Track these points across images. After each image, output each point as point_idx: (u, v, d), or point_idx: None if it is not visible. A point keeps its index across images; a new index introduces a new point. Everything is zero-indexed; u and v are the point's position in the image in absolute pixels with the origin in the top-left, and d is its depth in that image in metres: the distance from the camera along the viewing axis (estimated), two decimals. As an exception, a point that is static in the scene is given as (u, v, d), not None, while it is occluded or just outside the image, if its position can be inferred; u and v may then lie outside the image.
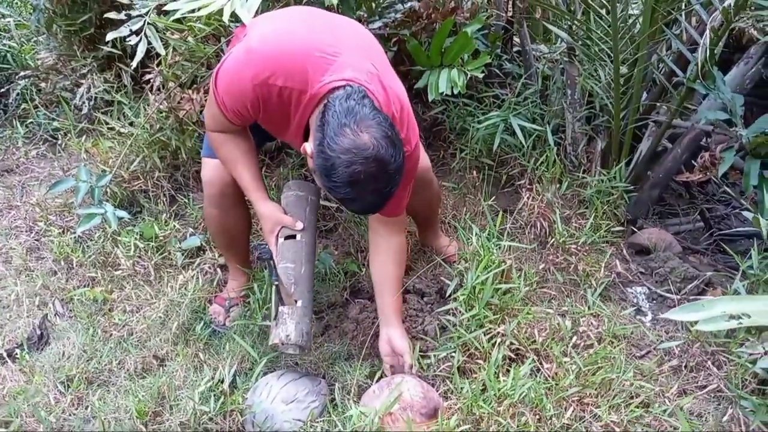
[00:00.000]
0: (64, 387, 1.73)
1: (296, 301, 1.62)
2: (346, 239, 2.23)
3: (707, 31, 1.94)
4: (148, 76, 2.38)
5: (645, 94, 2.39)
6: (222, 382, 1.64)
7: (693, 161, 2.23)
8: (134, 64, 1.92)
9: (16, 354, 1.82)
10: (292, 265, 1.64)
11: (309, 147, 1.39)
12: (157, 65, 2.33)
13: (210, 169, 1.75)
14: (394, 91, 1.52)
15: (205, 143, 1.79)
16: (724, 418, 1.59)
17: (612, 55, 2.07)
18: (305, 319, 1.62)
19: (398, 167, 1.36)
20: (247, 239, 1.95)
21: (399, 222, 1.71)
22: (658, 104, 2.37)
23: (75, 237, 2.22)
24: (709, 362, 1.74)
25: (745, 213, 1.99)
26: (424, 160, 1.83)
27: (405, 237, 1.77)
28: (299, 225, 1.67)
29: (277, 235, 1.68)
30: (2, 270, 2.18)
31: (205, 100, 2.39)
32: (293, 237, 1.67)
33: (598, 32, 2.10)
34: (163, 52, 1.95)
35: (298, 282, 1.63)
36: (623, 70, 2.15)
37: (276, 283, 1.59)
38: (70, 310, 2.01)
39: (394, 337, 1.69)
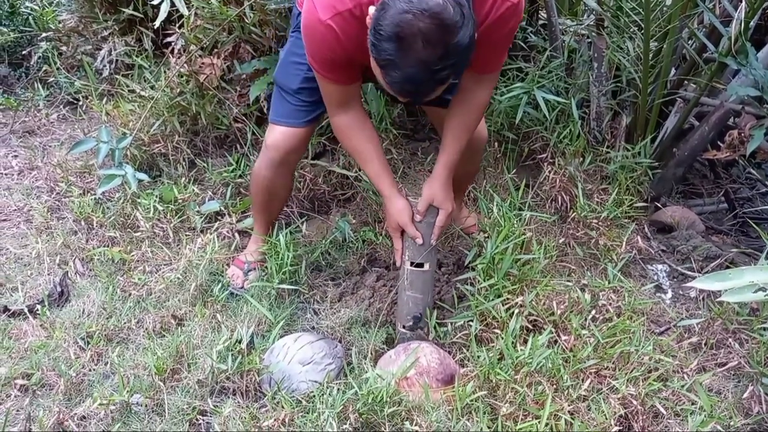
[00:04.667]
0: (84, 343, 1.75)
1: (422, 328, 1.72)
2: (364, 209, 2.22)
3: (743, 3, 1.89)
4: (169, 39, 2.36)
5: (673, 70, 2.34)
6: (239, 342, 1.64)
7: (719, 141, 2.18)
8: (157, 23, 1.92)
9: (37, 310, 1.84)
10: (421, 296, 1.70)
11: (372, 10, 1.25)
12: (179, 28, 2.31)
13: (278, 135, 1.74)
14: None
15: (273, 108, 1.78)
16: (744, 395, 1.58)
17: (642, 26, 2.02)
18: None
19: (459, 45, 1.18)
20: (282, 206, 2.01)
21: (491, 80, 1.61)
22: (686, 81, 2.31)
23: (95, 198, 2.23)
24: (731, 340, 1.72)
25: (773, 192, 1.94)
26: (484, 131, 1.84)
27: (490, 98, 1.69)
28: (419, 240, 1.65)
29: (402, 237, 1.68)
30: (24, 229, 2.20)
31: (226, 66, 2.39)
32: (421, 266, 1.69)
33: (630, 2, 2.05)
34: (186, 12, 1.94)
35: (425, 312, 1.72)
36: (653, 43, 2.10)
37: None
38: (90, 269, 2.03)
39: (427, 188, 1.65)
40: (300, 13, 1.68)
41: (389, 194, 1.64)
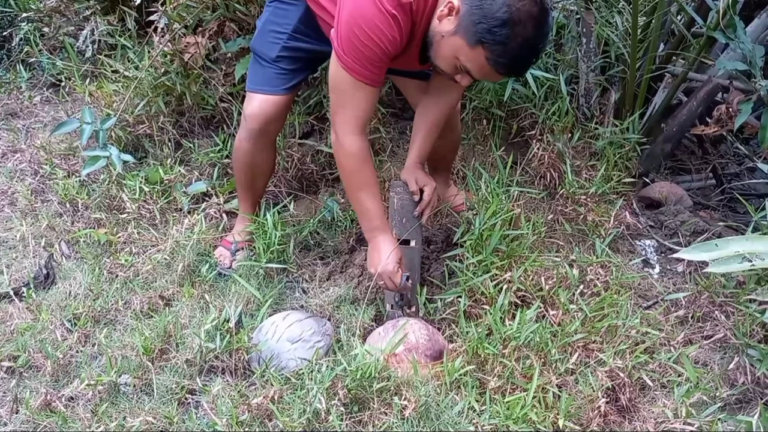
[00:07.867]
0: (71, 324, 1.73)
1: (411, 307, 1.71)
2: (352, 188, 2.21)
3: (731, -25, 1.87)
4: (151, 18, 2.32)
5: (662, 45, 2.33)
6: (228, 321, 1.64)
7: (708, 117, 2.18)
8: (138, 0, 1.87)
9: (23, 292, 1.83)
10: (409, 273, 1.68)
11: (456, 1, 1.33)
12: (161, 5, 2.27)
13: (256, 103, 1.72)
14: None
15: (250, 77, 1.77)
16: (730, 366, 1.59)
17: (631, 0, 2.00)
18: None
19: (551, 24, 1.37)
20: (266, 183, 1.97)
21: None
22: (674, 57, 2.30)
23: (80, 180, 2.20)
24: (717, 312, 1.73)
25: (760, 165, 1.95)
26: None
27: (460, 97, 1.77)
28: (409, 284, 1.66)
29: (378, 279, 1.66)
30: (8, 212, 2.17)
31: (211, 45, 2.35)
32: (407, 242, 1.69)
33: (618, -24, 2.03)
34: (167, -12, 1.89)
35: (414, 289, 1.71)
36: (641, 17, 2.08)
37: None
38: (76, 251, 2.01)
39: (409, 177, 1.69)
40: None
41: (387, 239, 1.62)
